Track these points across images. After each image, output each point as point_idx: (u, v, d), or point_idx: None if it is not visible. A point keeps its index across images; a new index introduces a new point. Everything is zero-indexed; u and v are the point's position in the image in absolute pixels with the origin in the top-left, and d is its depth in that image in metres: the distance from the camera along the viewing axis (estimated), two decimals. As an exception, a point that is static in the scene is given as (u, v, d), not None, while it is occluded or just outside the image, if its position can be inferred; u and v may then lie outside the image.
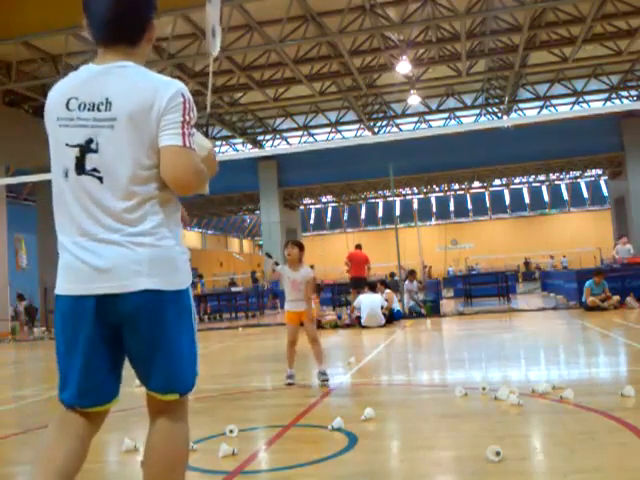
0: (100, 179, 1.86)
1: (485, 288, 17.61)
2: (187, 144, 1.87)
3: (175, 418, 1.96)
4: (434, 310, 13.62)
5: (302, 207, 38.45)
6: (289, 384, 5.63)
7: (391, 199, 36.24)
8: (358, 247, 14.28)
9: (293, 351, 5.81)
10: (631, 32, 16.94)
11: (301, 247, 5.78)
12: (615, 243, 16.90)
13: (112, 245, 1.85)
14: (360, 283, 13.39)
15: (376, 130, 26.26)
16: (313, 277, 5.80)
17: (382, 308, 11.90)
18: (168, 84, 1.90)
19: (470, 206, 46.64)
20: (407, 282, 14.10)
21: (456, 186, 36.27)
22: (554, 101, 24.32)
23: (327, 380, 5.54)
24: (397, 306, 13.04)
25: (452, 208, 46.70)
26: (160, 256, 1.88)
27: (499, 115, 25.34)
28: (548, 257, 35.79)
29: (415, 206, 43.58)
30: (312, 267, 23.12)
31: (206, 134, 2.09)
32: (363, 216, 48.47)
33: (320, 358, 5.69)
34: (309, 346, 5.84)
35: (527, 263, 39.47)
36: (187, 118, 1.89)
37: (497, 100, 24.14)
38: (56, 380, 1.95)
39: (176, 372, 1.93)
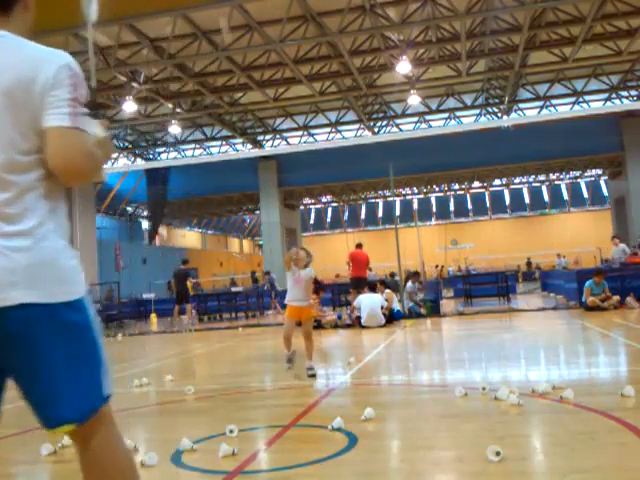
0: None
1: (485, 288, 17.60)
2: (76, 124, 1.60)
3: (105, 435, 1.70)
4: (434, 310, 13.61)
5: (302, 207, 38.46)
6: (289, 367, 6.36)
7: (391, 199, 36.24)
8: (359, 246, 14.23)
9: (288, 343, 6.45)
10: (631, 32, 16.92)
11: (308, 253, 6.57)
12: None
13: None
14: (360, 283, 13.37)
15: (376, 130, 26.24)
16: (314, 277, 6.62)
17: (382, 308, 11.90)
18: (54, 55, 1.64)
19: (470, 206, 46.65)
20: (409, 283, 14.06)
21: (456, 186, 36.28)
22: (554, 101, 24.30)
23: (314, 375, 6.07)
24: (397, 306, 13.03)
25: (452, 208, 46.71)
26: (41, 261, 1.59)
27: (499, 115, 25.33)
28: (555, 256, 35.75)
29: (415, 206, 43.58)
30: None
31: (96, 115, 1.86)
32: (363, 216, 48.47)
33: (310, 354, 6.32)
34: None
35: (529, 263, 39.31)
36: (76, 95, 1.62)
37: (497, 100, 24.13)
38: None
39: (67, 398, 1.61)
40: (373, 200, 40.96)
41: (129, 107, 19.26)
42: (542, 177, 35.42)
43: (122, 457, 1.73)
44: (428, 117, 25.54)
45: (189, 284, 16.67)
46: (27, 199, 1.61)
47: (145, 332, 14.99)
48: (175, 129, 23.43)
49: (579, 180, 39.58)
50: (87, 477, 1.69)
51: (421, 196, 40.46)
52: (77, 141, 1.61)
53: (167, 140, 27.19)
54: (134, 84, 17.65)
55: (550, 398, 4.28)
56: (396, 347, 8.84)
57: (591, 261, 32.35)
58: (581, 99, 24.14)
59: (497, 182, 37.48)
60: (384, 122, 25.88)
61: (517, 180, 37.08)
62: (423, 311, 13.59)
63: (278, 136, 27.04)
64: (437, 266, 32.29)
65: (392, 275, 21.35)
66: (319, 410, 4.56)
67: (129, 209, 34.74)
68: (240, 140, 26.71)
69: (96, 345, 1.70)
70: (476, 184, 36.81)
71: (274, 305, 20.64)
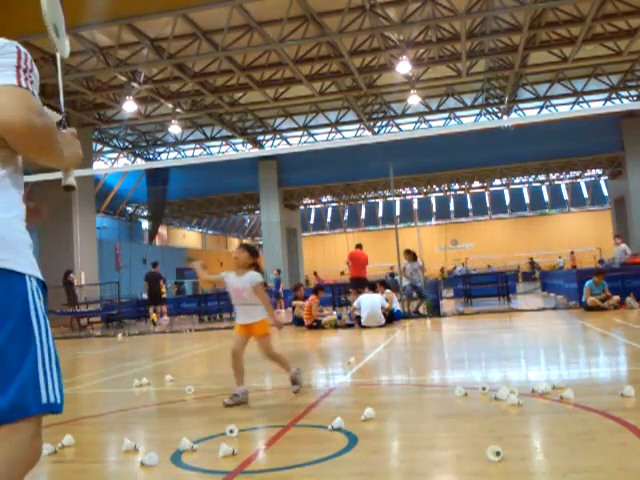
0: None
1: (485, 288, 17.60)
2: (24, 85, 1.57)
3: (10, 448, 1.51)
4: (434, 310, 13.60)
5: (302, 207, 38.47)
6: (228, 405, 4.71)
7: (391, 199, 36.25)
8: (359, 247, 14.25)
9: (238, 364, 4.95)
10: (631, 32, 16.93)
11: (252, 252, 5.03)
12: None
13: None
14: (360, 283, 13.38)
15: (376, 130, 26.26)
16: (261, 282, 4.96)
17: (382, 308, 11.89)
18: (2, 38, 1.66)
19: (470, 206, 46.64)
20: (407, 263, 13.92)
21: (456, 186, 36.29)
22: (554, 101, 24.33)
23: (297, 390, 5.09)
24: (397, 306, 13.03)
25: (452, 208, 46.70)
26: None
27: (499, 115, 25.34)
28: (557, 257, 36.24)
29: (415, 206, 43.58)
30: (275, 271, 22.13)
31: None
32: (363, 216, 48.47)
33: (286, 367, 5.13)
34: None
35: (532, 263, 39.23)
36: (23, 65, 1.60)
37: (497, 100, 24.15)
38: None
39: None
40: (373, 200, 40.97)
41: (129, 107, 19.26)
42: (542, 177, 35.45)
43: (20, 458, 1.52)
44: (428, 117, 25.57)
45: (162, 286, 17.08)
46: None
47: (145, 332, 14.99)
48: (175, 129, 23.44)
49: (579, 180, 39.59)
50: None
51: (421, 196, 40.46)
52: (23, 97, 1.54)
53: (167, 140, 27.20)
54: (134, 84, 17.65)
55: (550, 398, 4.28)
56: (396, 347, 8.84)
57: (591, 261, 32.37)
58: (581, 99, 24.15)
59: (497, 182, 37.49)
60: (384, 122, 25.90)
61: (517, 180, 37.10)
62: (422, 310, 13.61)
63: (278, 136, 27.05)
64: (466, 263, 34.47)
65: (392, 275, 21.36)
66: (319, 410, 4.55)
67: (129, 209, 34.75)
68: (240, 140, 26.73)
69: (32, 335, 1.53)
70: (476, 184, 36.83)
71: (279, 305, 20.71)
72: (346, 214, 48.33)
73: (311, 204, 39.66)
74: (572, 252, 34.52)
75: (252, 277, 4.89)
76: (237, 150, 28.32)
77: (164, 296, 17.60)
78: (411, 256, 14.05)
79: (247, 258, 4.94)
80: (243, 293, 4.87)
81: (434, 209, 46.32)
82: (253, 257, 4.98)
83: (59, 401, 1.55)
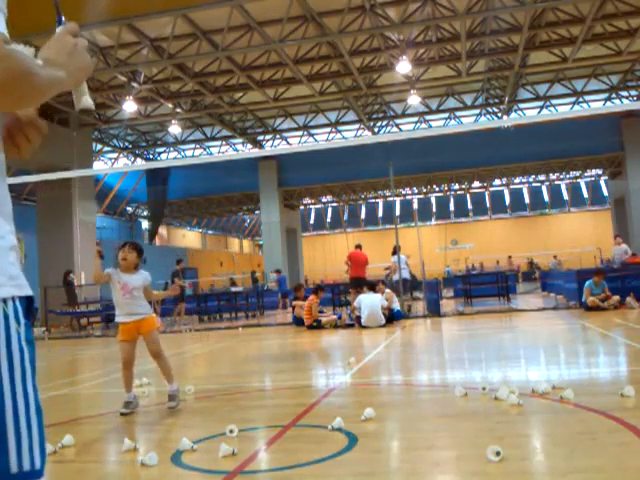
0: None
1: (485, 288, 17.59)
2: None
3: None
4: (434, 310, 13.61)
5: (302, 207, 38.47)
6: (123, 414, 4.71)
7: (391, 199, 36.25)
8: (358, 247, 14.28)
9: (129, 374, 4.90)
10: (631, 32, 16.93)
11: (140, 252, 5.07)
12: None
13: None
14: (360, 283, 13.39)
15: (376, 130, 26.25)
16: (149, 282, 5.05)
17: (382, 308, 11.89)
18: None
19: (470, 206, 46.64)
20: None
21: (456, 186, 36.29)
22: (554, 101, 24.32)
23: (174, 406, 4.82)
24: (397, 306, 13.02)
25: (452, 208, 46.70)
26: None
27: (499, 115, 25.34)
28: (552, 257, 36.54)
29: (415, 206, 43.59)
30: (279, 271, 22.66)
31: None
32: (363, 216, 48.48)
33: (168, 374, 4.95)
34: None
35: (531, 263, 39.36)
36: None
37: (497, 100, 24.15)
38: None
39: None
40: (373, 200, 40.96)
41: (129, 107, 19.26)
42: (542, 177, 35.45)
43: None
44: (428, 117, 25.56)
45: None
46: None
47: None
48: (175, 129, 23.43)
49: (579, 180, 39.57)
50: None
51: (421, 196, 40.45)
52: None
53: (167, 140, 27.19)
54: (134, 84, 17.65)
55: (550, 398, 4.28)
56: (396, 347, 8.84)
57: (591, 261, 32.36)
58: (581, 99, 24.15)
59: (497, 182, 37.49)
60: (384, 122, 25.89)
61: (517, 180, 37.10)
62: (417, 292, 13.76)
63: (278, 136, 27.04)
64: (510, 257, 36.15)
65: (388, 275, 21.36)
66: (319, 410, 4.55)
67: (129, 209, 34.75)
68: (240, 140, 26.72)
69: (21, 384, 1.07)
70: (476, 184, 36.82)
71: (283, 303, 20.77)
72: (346, 214, 48.33)
73: (311, 204, 39.66)
74: (510, 257, 35.67)
75: (146, 276, 5.04)
76: (237, 150, 28.31)
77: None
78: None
79: (136, 258, 5.03)
80: (134, 291, 4.92)
81: (434, 209, 46.32)
82: (140, 257, 5.08)
83: (38, 465, 1.10)
